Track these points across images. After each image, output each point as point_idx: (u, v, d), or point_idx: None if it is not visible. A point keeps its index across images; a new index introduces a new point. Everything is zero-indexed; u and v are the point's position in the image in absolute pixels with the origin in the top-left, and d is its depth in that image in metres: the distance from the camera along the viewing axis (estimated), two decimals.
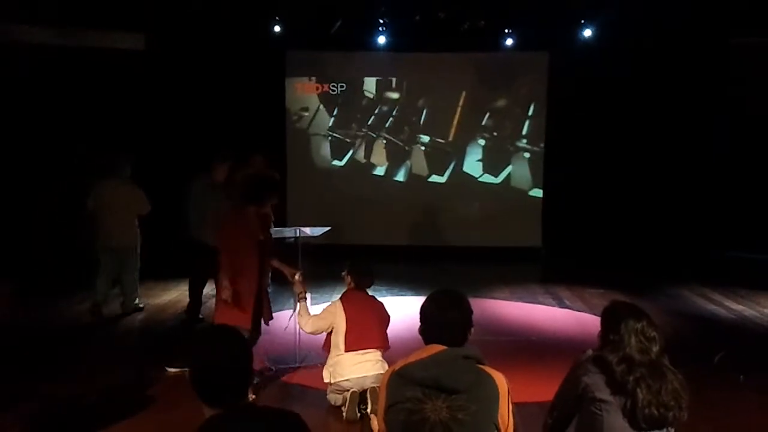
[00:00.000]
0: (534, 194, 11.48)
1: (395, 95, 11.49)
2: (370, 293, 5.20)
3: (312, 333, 5.09)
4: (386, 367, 4.45)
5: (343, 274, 5.13)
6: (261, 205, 5.22)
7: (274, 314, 7.44)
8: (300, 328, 5.26)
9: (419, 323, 2.64)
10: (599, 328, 2.94)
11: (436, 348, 2.51)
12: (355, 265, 5.12)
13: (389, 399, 2.46)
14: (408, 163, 11.53)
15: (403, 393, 2.41)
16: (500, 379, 2.48)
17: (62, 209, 9.63)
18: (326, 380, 4.94)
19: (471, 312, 2.62)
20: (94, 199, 7.36)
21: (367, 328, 4.87)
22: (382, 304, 5.15)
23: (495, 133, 11.46)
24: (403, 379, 2.44)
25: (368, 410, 4.65)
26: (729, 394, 5.26)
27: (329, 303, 5.14)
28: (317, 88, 11.46)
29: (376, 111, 11.49)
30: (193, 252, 7.06)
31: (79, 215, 8.00)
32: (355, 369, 4.78)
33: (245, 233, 5.11)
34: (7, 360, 5.91)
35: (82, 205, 7.55)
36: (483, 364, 2.49)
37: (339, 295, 5.16)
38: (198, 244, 6.89)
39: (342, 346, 4.84)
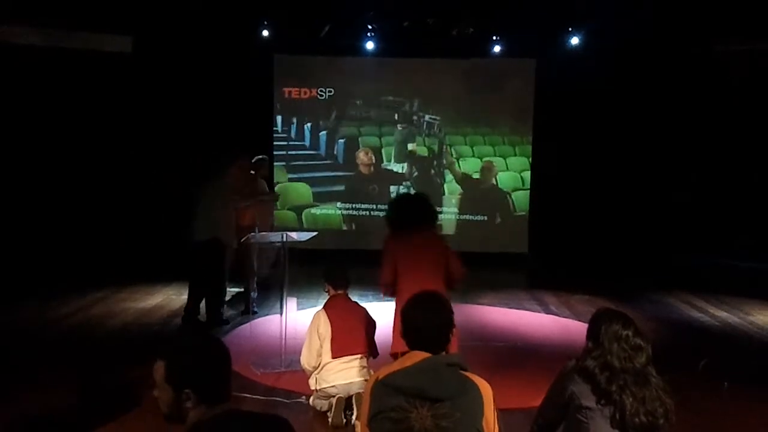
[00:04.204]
0: (521, 200, 11.51)
1: (382, 100, 11.49)
2: (355, 299, 5.19)
3: (309, 363, 4.91)
4: (372, 372, 4.43)
5: (325, 290, 5.16)
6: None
7: (259, 319, 7.52)
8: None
9: (402, 327, 2.66)
10: (585, 336, 2.94)
11: (420, 356, 2.52)
12: (328, 272, 5.14)
13: (373, 408, 2.46)
14: (395, 167, 11.52)
15: (388, 402, 2.41)
16: (484, 386, 2.49)
17: (62, 209, 9.60)
18: (312, 387, 4.93)
19: (452, 313, 2.67)
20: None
21: (351, 334, 4.87)
22: (365, 309, 5.14)
23: (482, 139, 11.50)
24: (387, 388, 2.44)
25: (354, 416, 4.64)
26: (713, 401, 5.28)
27: (312, 316, 5.07)
28: (305, 93, 11.45)
29: (363, 116, 11.49)
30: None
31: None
32: (341, 375, 4.78)
33: None
34: None
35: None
36: (466, 371, 2.50)
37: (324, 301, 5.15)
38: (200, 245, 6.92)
39: (328, 353, 4.83)
